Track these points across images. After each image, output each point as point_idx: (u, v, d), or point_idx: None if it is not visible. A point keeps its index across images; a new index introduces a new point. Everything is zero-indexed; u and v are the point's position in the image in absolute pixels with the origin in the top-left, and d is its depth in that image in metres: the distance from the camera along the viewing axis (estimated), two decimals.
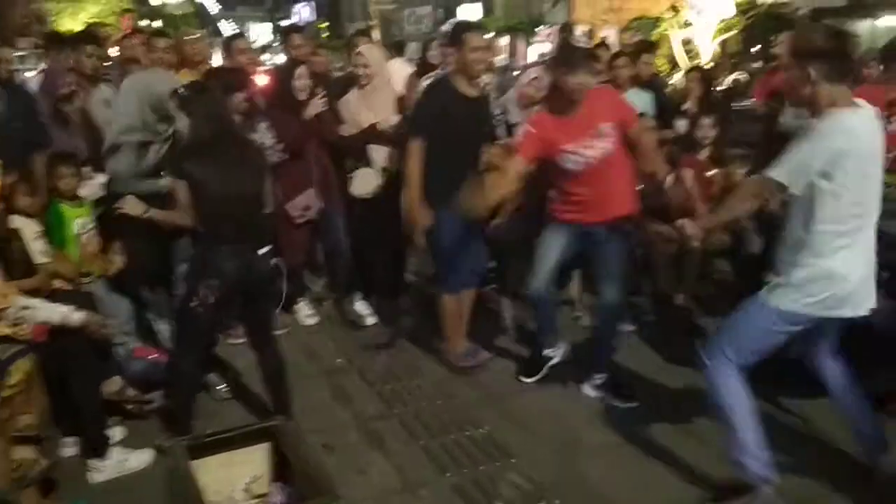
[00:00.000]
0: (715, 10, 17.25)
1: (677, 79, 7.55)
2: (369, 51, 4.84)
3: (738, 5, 17.28)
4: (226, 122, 3.36)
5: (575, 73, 3.42)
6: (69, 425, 3.31)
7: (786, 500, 2.86)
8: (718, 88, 9.33)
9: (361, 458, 3.36)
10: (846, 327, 2.91)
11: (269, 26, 41.17)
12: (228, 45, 4.98)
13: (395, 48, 8.91)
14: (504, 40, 30.08)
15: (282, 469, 2.39)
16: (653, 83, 5.97)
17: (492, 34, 31.22)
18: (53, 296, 3.23)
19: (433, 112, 3.92)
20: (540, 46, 28.17)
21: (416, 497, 3.10)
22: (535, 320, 4.13)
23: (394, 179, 4.54)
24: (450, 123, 3.86)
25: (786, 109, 5.17)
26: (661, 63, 10.52)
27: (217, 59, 6.20)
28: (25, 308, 2.87)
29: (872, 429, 3.03)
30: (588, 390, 3.91)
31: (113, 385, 3.43)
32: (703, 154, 5.07)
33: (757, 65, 16.52)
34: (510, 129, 4.74)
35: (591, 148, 3.53)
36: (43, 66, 6.40)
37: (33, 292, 3.11)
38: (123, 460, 3.23)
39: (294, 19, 37.41)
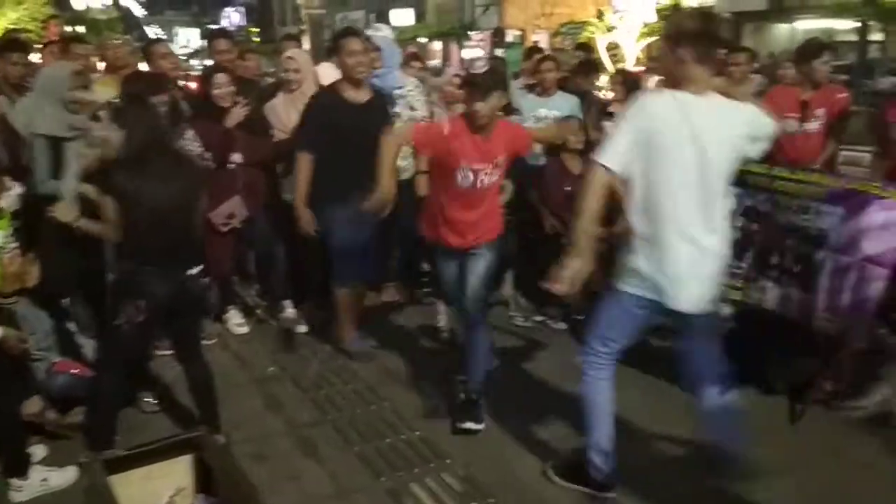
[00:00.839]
0: (637, 14, 17.75)
1: (603, 82, 7.69)
2: (298, 55, 4.80)
3: (659, 11, 17.79)
4: (160, 136, 3.23)
5: (485, 100, 3.40)
6: None
7: None
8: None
9: (294, 466, 3.33)
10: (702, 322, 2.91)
11: (197, 31, 40.42)
12: (149, 49, 4.86)
13: (327, 53, 8.84)
14: (437, 45, 30.24)
15: (206, 481, 2.35)
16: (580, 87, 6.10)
17: (425, 39, 31.38)
18: None
19: (320, 121, 4.07)
20: (472, 51, 28.45)
21: (350, 503, 3.08)
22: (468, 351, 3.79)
23: None
24: (338, 130, 3.98)
25: None
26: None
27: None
28: None
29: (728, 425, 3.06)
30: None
31: (33, 406, 3.31)
32: None
33: None
34: None
35: (487, 175, 3.53)
36: None
37: None
38: (45, 479, 3.12)
39: (224, 23, 36.84)
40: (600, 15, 18.10)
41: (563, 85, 5.79)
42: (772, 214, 3.68)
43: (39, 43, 7.84)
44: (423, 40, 31.51)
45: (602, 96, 6.63)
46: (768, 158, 3.60)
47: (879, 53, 18.76)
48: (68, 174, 3.64)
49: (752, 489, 3.09)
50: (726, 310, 3.79)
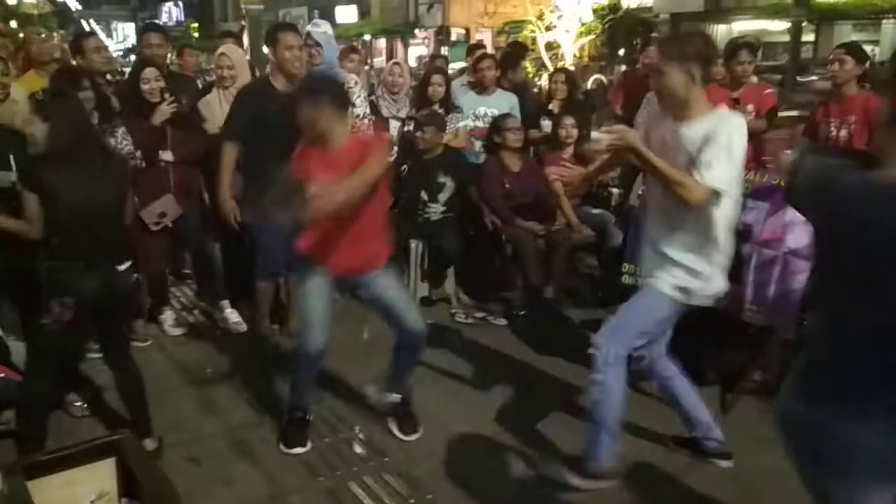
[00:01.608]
0: (574, 13, 18.04)
1: (543, 80, 7.78)
2: (232, 51, 4.73)
3: (595, 10, 18.11)
4: (86, 130, 3.14)
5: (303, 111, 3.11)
6: None
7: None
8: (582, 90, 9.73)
9: (228, 469, 3.27)
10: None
11: (135, 26, 39.47)
12: (79, 44, 4.71)
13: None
14: (381, 43, 30.16)
15: (129, 484, 2.29)
16: (520, 85, 6.16)
17: (369, 37, 31.24)
18: None
19: (248, 111, 4.06)
20: (417, 49, 28.45)
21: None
22: (297, 378, 3.49)
23: None
24: (267, 122, 3.95)
25: (639, 112, 5.45)
26: (528, 66, 10.87)
27: None
28: None
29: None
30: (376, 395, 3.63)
31: None
32: (567, 153, 5.27)
33: (623, 68, 17.37)
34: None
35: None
36: None
37: None
38: None
39: (163, 18, 36.08)
40: (541, 15, 18.31)
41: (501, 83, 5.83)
42: None
43: None
44: (367, 38, 31.39)
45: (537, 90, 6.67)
46: None
47: (811, 53, 19.38)
48: None
49: (684, 477, 3.16)
50: None
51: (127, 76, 5.09)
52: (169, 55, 5.72)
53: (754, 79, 5.55)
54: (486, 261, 5.29)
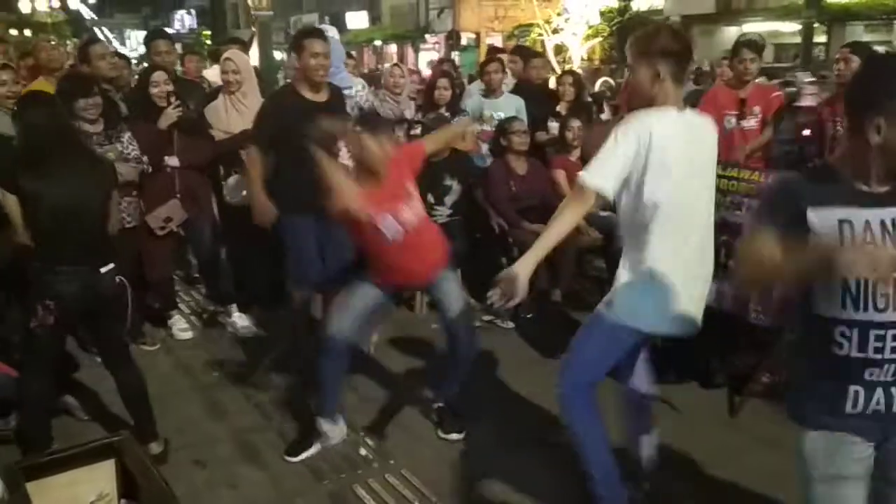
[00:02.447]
0: (581, 16, 18.03)
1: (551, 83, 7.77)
2: (237, 57, 4.75)
3: (603, 13, 18.09)
4: (65, 133, 3.12)
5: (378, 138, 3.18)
6: None
7: None
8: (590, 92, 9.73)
9: (234, 472, 3.28)
10: None
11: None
12: (85, 50, 4.75)
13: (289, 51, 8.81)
14: (392, 48, 30.25)
15: (129, 486, 2.30)
16: (530, 87, 6.15)
17: (379, 42, 31.33)
18: None
19: (276, 120, 3.97)
20: (428, 54, 28.52)
21: None
22: (322, 378, 3.42)
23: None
24: (294, 130, 3.83)
25: None
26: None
27: None
28: None
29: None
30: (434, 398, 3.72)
31: None
32: (574, 155, 5.26)
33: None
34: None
35: (405, 212, 3.23)
36: None
37: None
38: None
39: (176, 26, 36.36)
40: (549, 19, 18.35)
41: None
42: None
43: None
44: (378, 43, 31.52)
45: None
46: None
47: (824, 55, 19.27)
48: None
49: (693, 480, 3.14)
50: None
51: (136, 82, 5.13)
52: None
53: (763, 79, 5.53)
54: (493, 264, 5.27)
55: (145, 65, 6.10)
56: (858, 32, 18.67)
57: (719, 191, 3.65)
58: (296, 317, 4.38)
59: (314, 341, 4.36)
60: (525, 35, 19.10)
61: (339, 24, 25.23)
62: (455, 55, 22.22)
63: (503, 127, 5.22)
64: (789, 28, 20.41)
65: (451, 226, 5.09)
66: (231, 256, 4.93)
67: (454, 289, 3.47)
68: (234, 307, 4.86)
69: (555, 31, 18.00)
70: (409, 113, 5.35)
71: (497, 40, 22.67)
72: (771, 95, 5.06)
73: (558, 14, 18.34)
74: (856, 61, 4.56)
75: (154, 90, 4.32)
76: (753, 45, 5.08)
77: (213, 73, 5.44)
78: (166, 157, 4.33)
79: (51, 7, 30.26)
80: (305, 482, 3.21)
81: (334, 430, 3.43)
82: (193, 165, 4.47)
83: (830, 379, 1.82)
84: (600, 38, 18.80)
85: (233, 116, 4.57)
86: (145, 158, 4.23)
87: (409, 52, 30.25)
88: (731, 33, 20.91)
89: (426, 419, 3.70)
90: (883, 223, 1.72)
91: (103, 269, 3.11)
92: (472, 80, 8.32)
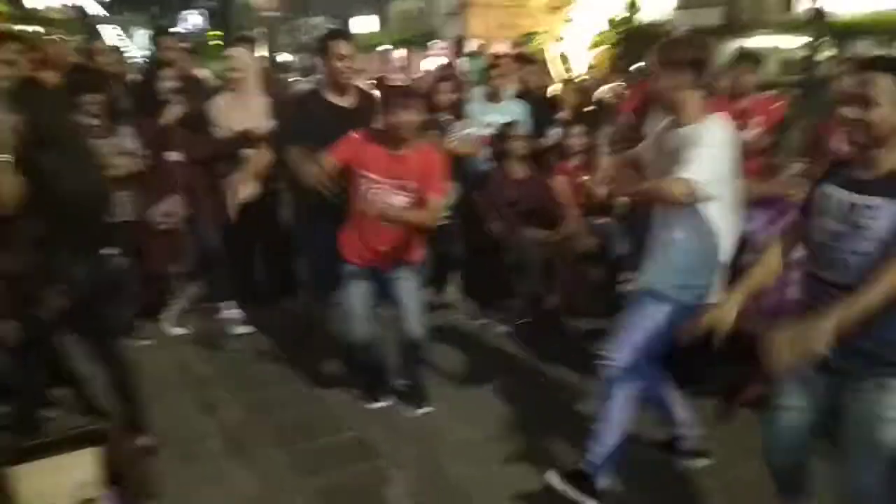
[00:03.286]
0: (587, 22, 18.06)
1: (554, 89, 7.77)
2: (240, 54, 4.76)
3: (611, 22, 18.11)
4: (54, 121, 3.10)
5: (395, 111, 3.37)
6: None
7: None
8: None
9: (222, 467, 3.29)
10: None
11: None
12: (89, 47, 4.79)
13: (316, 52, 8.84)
14: (399, 52, 30.29)
15: (112, 473, 2.30)
16: (531, 93, 6.16)
17: (387, 46, 31.39)
18: None
19: (302, 124, 3.93)
20: (435, 59, 28.54)
21: (276, 503, 3.05)
22: (362, 369, 3.91)
23: (269, 184, 4.50)
24: (320, 134, 3.80)
25: (648, 120, 5.43)
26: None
27: None
28: None
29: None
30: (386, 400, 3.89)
31: None
32: (575, 161, 5.26)
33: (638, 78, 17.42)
34: None
35: (394, 196, 3.45)
36: None
37: None
38: None
39: (188, 26, 36.45)
40: (554, 26, 18.42)
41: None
42: None
43: None
44: (386, 47, 31.58)
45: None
46: None
47: (830, 70, 19.26)
48: None
49: (682, 490, 3.13)
50: None
51: (141, 78, 5.16)
52: None
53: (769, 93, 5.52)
54: (490, 267, 5.28)
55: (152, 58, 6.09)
56: (866, 48, 18.64)
57: None
58: (303, 317, 4.41)
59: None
60: (527, 42, 19.11)
61: (346, 27, 25.27)
62: (462, 61, 22.25)
63: (503, 132, 5.23)
64: (797, 42, 20.41)
65: (448, 229, 5.10)
66: (229, 253, 4.92)
67: (412, 287, 3.66)
68: (229, 304, 4.87)
69: (560, 39, 18.05)
70: None
71: (505, 47, 22.70)
72: (772, 106, 5.06)
73: (566, 21, 18.39)
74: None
75: (159, 86, 4.34)
76: (753, 56, 5.10)
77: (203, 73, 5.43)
78: (168, 152, 4.35)
79: (60, 3, 30.39)
80: (294, 478, 3.22)
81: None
82: (195, 161, 4.48)
83: None
84: (605, 46, 18.85)
85: (234, 113, 4.57)
86: (146, 152, 4.25)
87: (416, 57, 30.28)
88: (736, 45, 20.94)
89: (417, 419, 3.71)
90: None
91: (110, 252, 3.16)
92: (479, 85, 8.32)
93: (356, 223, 3.56)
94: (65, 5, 29.47)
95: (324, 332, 4.34)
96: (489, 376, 4.24)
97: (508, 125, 5.25)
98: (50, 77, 4.75)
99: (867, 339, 2.17)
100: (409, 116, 3.36)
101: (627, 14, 19.02)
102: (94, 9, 36.29)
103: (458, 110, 5.50)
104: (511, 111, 5.55)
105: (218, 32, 36.57)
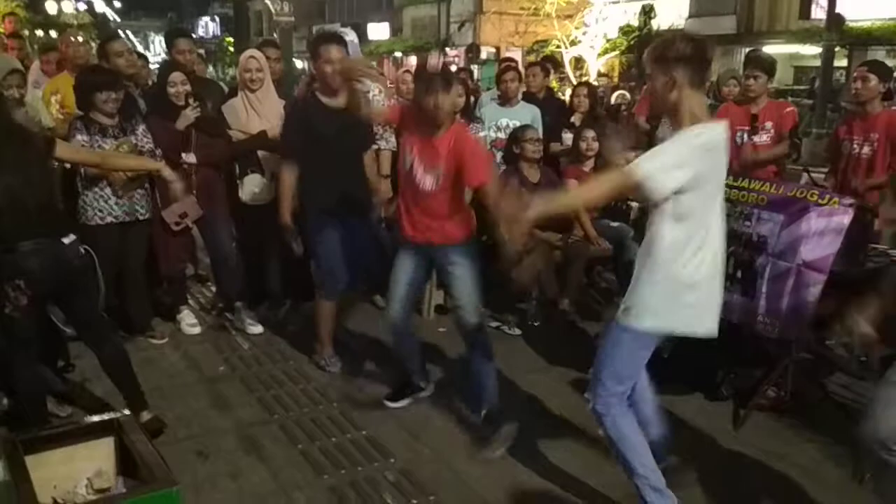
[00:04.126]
0: (599, 30, 18.12)
1: (567, 94, 7.81)
2: (259, 55, 4.79)
3: (622, 28, 18.16)
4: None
5: (429, 94, 3.32)
6: None
7: None
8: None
9: (235, 464, 3.30)
10: None
11: None
12: (104, 47, 4.83)
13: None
14: (412, 59, 30.36)
15: (126, 462, 2.32)
16: (544, 98, 6.17)
17: (400, 53, 31.50)
18: None
19: (298, 127, 4.01)
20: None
21: (289, 500, 3.06)
22: (397, 353, 3.90)
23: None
24: (316, 136, 3.93)
25: (662, 123, 5.45)
26: (553, 82, 10.90)
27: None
28: None
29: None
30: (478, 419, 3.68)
31: None
32: (588, 165, 5.27)
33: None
34: None
35: (423, 174, 3.45)
36: None
37: None
38: None
39: (200, 32, 36.76)
40: (568, 33, 18.50)
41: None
42: None
43: None
44: (398, 55, 31.69)
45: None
46: None
47: (843, 78, 19.20)
48: None
49: (695, 493, 3.12)
50: None
51: (156, 79, 5.20)
52: None
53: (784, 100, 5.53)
54: (502, 271, 5.28)
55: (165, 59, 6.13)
56: (880, 57, 18.58)
57: (729, 201, 3.67)
58: (321, 328, 4.32)
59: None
60: (542, 49, 19.17)
61: (361, 34, 25.38)
62: (475, 68, 22.32)
63: (516, 135, 5.24)
64: (810, 51, 20.36)
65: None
66: (243, 254, 4.96)
67: (466, 265, 3.54)
68: (243, 304, 4.90)
69: (573, 43, 18.10)
70: None
71: (517, 55, 22.78)
72: (784, 111, 5.05)
73: (577, 27, 18.46)
74: (873, 80, 4.55)
75: (171, 90, 4.38)
76: (760, 62, 5.09)
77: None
78: (183, 154, 4.39)
79: (76, 9, 30.73)
80: (306, 476, 3.23)
81: (428, 386, 3.96)
82: (210, 163, 4.52)
83: None
84: (617, 52, 18.90)
85: (251, 115, 4.61)
86: (158, 152, 4.28)
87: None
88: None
89: (430, 420, 3.72)
90: None
91: (65, 240, 3.11)
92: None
93: (403, 195, 3.60)
94: (83, 11, 29.75)
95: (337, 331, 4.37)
96: (502, 379, 4.24)
97: (522, 128, 5.26)
98: (67, 77, 4.82)
99: None
100: (448, 100, 3.35)
101: (639, 22, 19.06)
102: (109, 15, 36.65)
103: (470, 113, 5.52)
104: (523, 115, 5.58)
105: (230, 39, 36.90)
